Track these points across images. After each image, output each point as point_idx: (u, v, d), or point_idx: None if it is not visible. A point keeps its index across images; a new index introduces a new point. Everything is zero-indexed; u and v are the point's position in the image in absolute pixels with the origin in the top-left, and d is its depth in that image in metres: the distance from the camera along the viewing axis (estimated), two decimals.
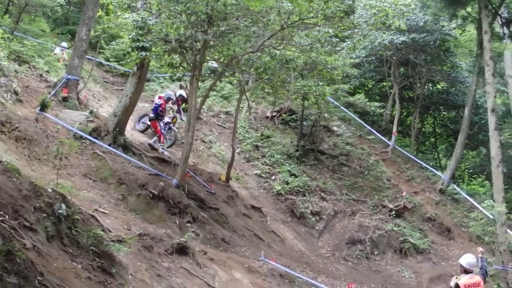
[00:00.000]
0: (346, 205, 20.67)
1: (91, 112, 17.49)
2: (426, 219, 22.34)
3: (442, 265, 19.38)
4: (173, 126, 19.62)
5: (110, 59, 26.63)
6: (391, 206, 21.11)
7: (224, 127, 22.98)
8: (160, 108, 18.28)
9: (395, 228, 19.72)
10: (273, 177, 20.54)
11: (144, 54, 15.00)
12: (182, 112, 20.14)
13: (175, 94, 19.87)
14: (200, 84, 17.27)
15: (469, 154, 37.20)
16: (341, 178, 22.62)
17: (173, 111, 19.96)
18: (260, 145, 22.25)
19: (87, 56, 20.33)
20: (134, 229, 11.52)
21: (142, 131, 19.71)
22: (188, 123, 15.52)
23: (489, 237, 19.70)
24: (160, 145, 17.87)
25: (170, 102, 19.37)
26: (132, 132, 18.65)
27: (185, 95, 19.71)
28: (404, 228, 20.11)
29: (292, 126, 25.02)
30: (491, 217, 18.92)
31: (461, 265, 10.50)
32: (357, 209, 20.67)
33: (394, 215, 20.67)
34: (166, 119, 19.09)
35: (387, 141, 27.54)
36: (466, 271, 10.36)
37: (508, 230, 20.16)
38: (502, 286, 17.60)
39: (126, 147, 15.95)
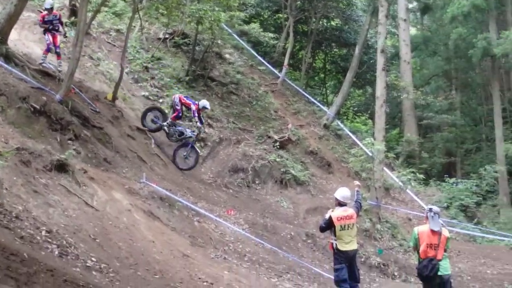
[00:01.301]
0: (232, 133, 20.78)
1: None
2: (308, 152, 22.90)
3: (320, 197, 20.01)
4: (195, 143, 18.04)
5: None
6: (276, 137, 21.43)
7: (114, 45, 22.26)
8: (40, 23, 17.37)
9: (277, 159, 20.07)
10: (161, 100, 20.24)
11: None
12: (203, 122, 18.48)
13: (198, 104, 17.87)
14: None
15: (355, 92, 38.27)
16: (229, 106, 22.68)
17: (196, 122, 18.01)
18: (150, 66, 21.77)
19: None
20: (11, 142, 11.06)
21: (151, 131, 18.08)
22: (76, 38, 14.92)
23: (366, 173, 20.45)
24: (43, 57, 17.01)
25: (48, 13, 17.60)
26: (16, 42, 17.70)
27: (208, 106, 18.33)
28: (287, 159, 20.51)
29: (184, 50, 24.63)
30: (370, 154, 19.60)
31: (336, 198, 10.86)
32: (242, 138, 20.83)
33: (278, 147, 21.01)
34: (189, 133, 17.77)
35: (277, 73, 27.77)
36: (340, 204, 10.72)
37: (384, 168, 20.99)
38: (374, 221, 18.40)
39: (8, 57, 15.09)
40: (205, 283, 9.75)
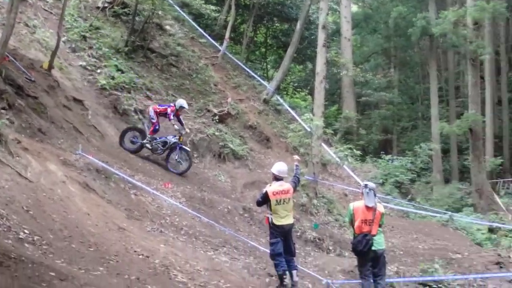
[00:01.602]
0: None
1: None
2: (247, 126, 22.94)
3: (258, 172, 20.11)
4: (182, 144, 17.26)
5: None
6: (215, 111, 21.36)
7: (51, 13, 21.64)
8: None
9: (216, 133, 20.01)
10: (98, 71, 19.82)
11: None
12: (183, 123, 17.84)
13: (174, 105, 17.33)
14: None
15: (296, 68, 38.44)
16: (169, 78, 22.43)
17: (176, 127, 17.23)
18: (88, 36, 21.25)
19: None
20: None
21: (134, 152, 17.30)
22: (11, 4, 14.46)
23: (304, 148, 20.67)
24: None
25: None
26: None
27: (185, 105, 17.69)
28: (226, 133, 20.48)
29: (124, 20, 24.13)
30: (309, 130, 19.76)
31: (272, 172, 10.97)
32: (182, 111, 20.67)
33: (217, 120, 20.95)
34: (172, 139, 17.06)
35: (218, 46, 27.60)
36: (277, 178, 10.84)
37: (322, 144, 21.22)
38: (311, 196, 18.62)
39: None
40: (140, 256, 9.69)
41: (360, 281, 10.72)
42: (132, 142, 17.41)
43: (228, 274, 10.53)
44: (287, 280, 10.51)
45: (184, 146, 17.32)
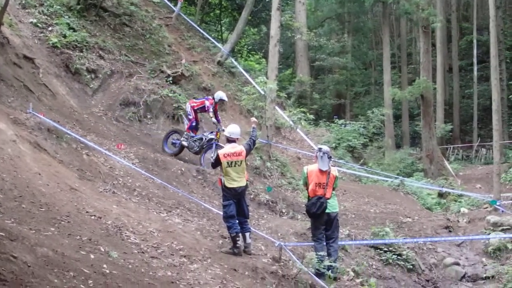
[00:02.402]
0: (124, 66, 20.23)
1: None
2: (201, 88, 22.78)
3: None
4: (218, 141, 16.15)
5: None
6: (169, 72, 21.10)
7: None
8: None
9: (170, 94, 19.78)
10: (50, 28, 19.33)
11: None
12: (220, 120, 16.92)
13: (213, 98, 16.47)
14: None
15: (250, 31, 38.23)
16: (122, 38, 22.03)
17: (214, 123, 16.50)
18: None
19: None
20: None
21: (176, 154, 16.69)
22: None
23: (258, 111, 20.68)
24: None
25: None
26: None
27: (225, 98, 16.71)
28: (179, 95, 20.26)
29: None
30: (263, 93, 19.74)
31: (225, 135, 11.01)
32: (135, 72, 20.35)
33: (171, 81, 20.70)
34: (209, 136, 16.11)
35: (172, 7, 27.22)
36: (229, 140, 10.87)
37: (276, 107, 21.25)
38: (264, 159, 18.67)
39: None
40: (93, 217, 9.61)
41: (313, 243, 10.87)
42: (174, 145, 17.01)
43: (181, 236, 10.53)
44: (240, 242, 10.58)
45: (220, 144, 15.95)
